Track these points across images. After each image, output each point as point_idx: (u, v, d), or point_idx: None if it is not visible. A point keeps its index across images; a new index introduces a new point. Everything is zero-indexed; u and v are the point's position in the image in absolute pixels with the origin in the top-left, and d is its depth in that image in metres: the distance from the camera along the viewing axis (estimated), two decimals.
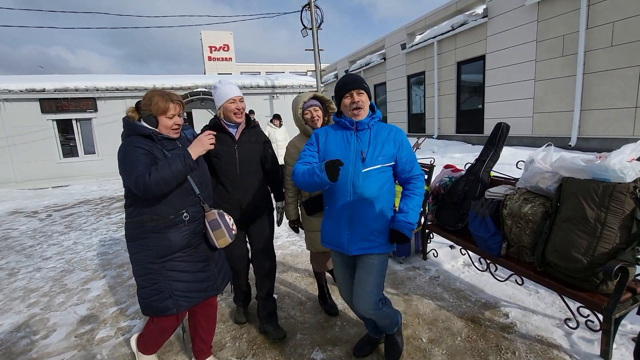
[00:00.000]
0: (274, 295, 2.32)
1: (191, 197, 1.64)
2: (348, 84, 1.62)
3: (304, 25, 10.19)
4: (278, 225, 2.31)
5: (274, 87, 11.58)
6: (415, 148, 5.09)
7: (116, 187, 9.00)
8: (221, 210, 1.73)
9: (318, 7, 10.07)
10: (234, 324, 2.36)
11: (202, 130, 1.88)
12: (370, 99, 1.65)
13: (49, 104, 9.30)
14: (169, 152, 1.60)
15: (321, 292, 2.48)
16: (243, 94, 2.11)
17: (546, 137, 8.02)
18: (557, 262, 1.80)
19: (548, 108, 8.11)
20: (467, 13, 10.39)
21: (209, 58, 32.40)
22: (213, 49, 32.69)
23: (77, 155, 9.97)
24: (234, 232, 1.72)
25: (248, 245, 2.28)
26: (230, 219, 1.73)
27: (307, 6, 10.07)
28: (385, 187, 1.63)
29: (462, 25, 10.14)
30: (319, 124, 2.11)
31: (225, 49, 33.44)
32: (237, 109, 2.00)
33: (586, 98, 7.30)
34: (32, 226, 5.48)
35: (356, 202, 1.59)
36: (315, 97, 2.14)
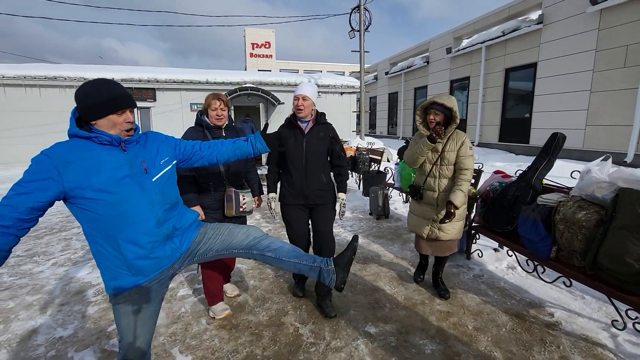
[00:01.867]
0: None
1: (217, 174, 2.25)
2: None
3: (352, 27, 10.41)
4: (340, 218, 2.53)
5: (316, 85, 11.92)
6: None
7: None
8: (239, 191, 2.28)
9: (367, 10, 10.25)
10: (293, 296, 2.68)
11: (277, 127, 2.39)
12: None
13: None
14: (214, 139, 2.15)
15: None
16: (284, 91, 2.58)
17: (599, 151, 7.67)
18: (609, 267, 1.91)
19: (603, 121, 7.75)
20: (520, 19, 10.09)
21: (251, 54, 33.48)
22: (255, 45, 33.68)
23: None
24: (241, 210, 2.27)
25: (310, 227, 2.57)
26: (244, 198, 2.28)
27: (357, 8, 10.28)
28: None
29: (514, 31, 9.88)
30: (433, 126, 2.37)
31: (267, 46, 34.33)
32: (298, 105, 2.31)
33: None
34: None
35: None
36: (435, 103, 2.37)
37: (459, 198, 2.28)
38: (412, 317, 2.36)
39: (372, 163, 6.44)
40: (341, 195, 2.54)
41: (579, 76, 8.21)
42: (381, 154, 6.83)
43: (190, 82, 10.72)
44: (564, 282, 2.24)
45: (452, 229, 2.47)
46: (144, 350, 1.37)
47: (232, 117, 11.29)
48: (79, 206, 1.22)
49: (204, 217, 2.24)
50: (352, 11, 10.33)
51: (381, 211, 4.74)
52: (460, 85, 12.88)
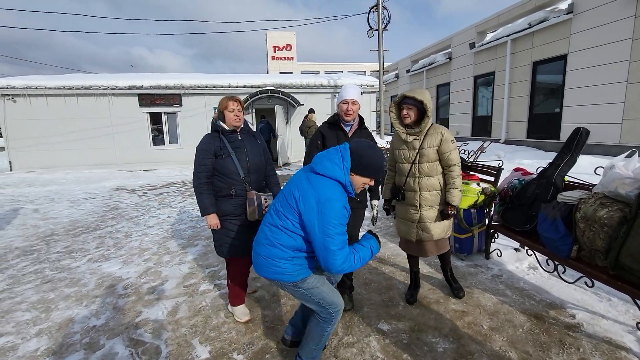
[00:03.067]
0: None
1: (238, 178, 2.26)
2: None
3: (370, 26, 10.37)
4: (373, 224, 2.53)
5: (336, 86, 11.97)
6: (479, 152, 5.03)
7: None
8: (260, 194, 2.25)
9: (385, 8, 10.16)
10: None
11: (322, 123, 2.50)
12: None
13: (145, 99, 10.86)
14: (231, 144, 2.27)
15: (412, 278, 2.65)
16: (304, 92, 2.60)
17: (637, 145, 7.17)
18: (632, 266, 1.83)
19: None
20: (548, 9, 9.62)
21: (272, 57, 34.03)
22: (277, 48, 34.19)
23: (164, 144, 11.47)
24: (264, 213, 2.19)
25: None
26: (266, 201, 2.24)
27: (375, 7, 10.22)
28: None
29: (542, 22, 9.44)
30: (407, 121, 2.27)
31: (288, 48, 34.76)
32: (347, 109, 2.32)
33: None
34: (134, 201, 6.58)
35: None
36: (406, 97, 2.26)
37: (457, 197, 2.25)
38: (425, 315, 2.36)
39: None
40: (375, 202, 2.57)
41: (614, 67, 7.71)
42: None
43: (214, 87, 11.11)
44: (585, 283, 2.15)
45: (436, 229, 2.34)
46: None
47: (253, 118, 11.58)
48: None
49: (219, 225, 2.25)
50: (370, 10, 10.29)
51: None
52: (484, 81, 12.46)
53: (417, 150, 2.29)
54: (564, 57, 9.05)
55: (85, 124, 10.68)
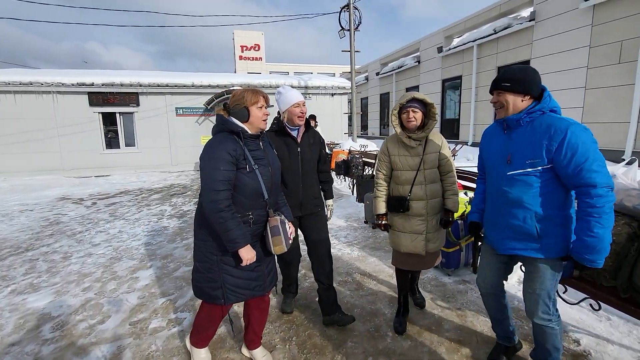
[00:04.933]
0: (333, 285, 2.38)
1: (260, 200, 1.69)
2: (493, 82, 1.60)
3: (341, 26, 10.17)
4: (327, 221, 2.42)
5: (306, 87, 11.63)
6: (453, 155, 4.91)
7: (153, 179, 9.36)
8: (283, 218, 1.75)
9: (357, 8, 10.02)
10: (282, 324, 2.35)
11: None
12: (526, 93, 1.49)
13: (96, 98, 9.83)
14: (251, 153, 1.67)
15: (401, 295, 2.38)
16: (274, 93, 2.29)
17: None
18: None
19: (600, 118, 7.61)
20: (511, 16, 9.97)
21: (240, 57, 33.07)
22: (244, 48, 33.29)
23: (118, 147, 10.46)
24: (290, 241, 1.75)
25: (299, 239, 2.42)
26: (290, 227, 1.77)
27: (346, 7, 10.04)
28: (534, 191, 1.49)
29: (506, 28, 9.75)
30: (412, 125, 2.05)
31: (256, 48, 33.97)
32: (302, 112, 2.15)
33: None
34: (80, 212, 5.78)
35: (501, 206, 1.62)
36: (414, 99, 2.08)
37: (458, 203, 2.16)
38: (418, 348, 2.06)
39: (366, 167, 6.15)
40: (329, 202, 2.50)
41: (573, 73, 8.07)
42: (375, 156, 6.55)
43: (175, 86, 10.32)
44: (591, 305, 1.95)
45: (441, 238, 2.24)
46: None
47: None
48: None
49: (253, 259, 1.64)
50: (341, 10, 10.10)
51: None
52: (452, 85, 12.73)
53: (421, 156, 2.10)
54: (527, 63, 9.38)
55: (26, 125, 9.45)
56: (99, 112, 10.00)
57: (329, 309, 2.27)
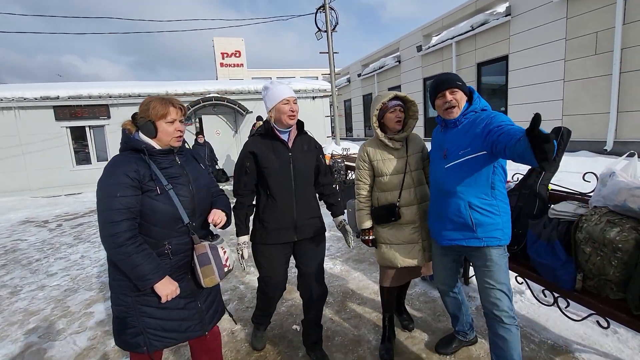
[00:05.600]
0: (321, 323, 2.03)
1: (179, 226, 1.38)
2: (442, 83, 1.63)
3: (318, 27, 9.96)
4: (350, 247, 1.97)
5: None
6: None
7: None
8: (215, 243, 1.44)
9: (333, 9, 9.84)
10: (252, 349, 2.04)
11: (250, 136, 1.68)
12: (466, 93, 1.65)
13: (62, 111, 9.27)
14: (163, 171, 1.36)
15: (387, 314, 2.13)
16: (256, 99, 1.92)
17: (579, 141, 7.50)
18: None
19: (580, 110, 7.59)
20: (487, 12, 9.96)
21: (221, 64, 32.58)
22: (225, 55, 32.84)
23: (90, 163, 9.91)
24: (225, 270, 1.45)
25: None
26: (225, 253, 1.45)
27: (322, 8, 9.84)
28: (467, 181, 1.58)
29: (483, 24, 9.72)
30: (399, 125, 1.91)
31: (237, 55, 33.57)
32: (292, 110, 1.79)
33: (623, 99, 6.77)
34: (42, 237, 5.31)
35: (440, 197, 1.71)
36: (397, 97, 1.89)
37: None
38: None
39: (349, 171, 5.89)
40: (341, 218, 2.05)
41: (551, 66, 8.06)
42: None
43: (148, 96, 9.85)
44: (598, 322, 1.72)
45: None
46: None
47: (204, 130, 10.48)
48: None
49: (176, 292, 1.36)
50: (317, 11, 9.89)
51: None
52: None
53: (406, 158, 1.93)
54: (505, 58, 9.37)
55: None
56: (66, 127, 9.44)
57: (310, 347, 2.00)
